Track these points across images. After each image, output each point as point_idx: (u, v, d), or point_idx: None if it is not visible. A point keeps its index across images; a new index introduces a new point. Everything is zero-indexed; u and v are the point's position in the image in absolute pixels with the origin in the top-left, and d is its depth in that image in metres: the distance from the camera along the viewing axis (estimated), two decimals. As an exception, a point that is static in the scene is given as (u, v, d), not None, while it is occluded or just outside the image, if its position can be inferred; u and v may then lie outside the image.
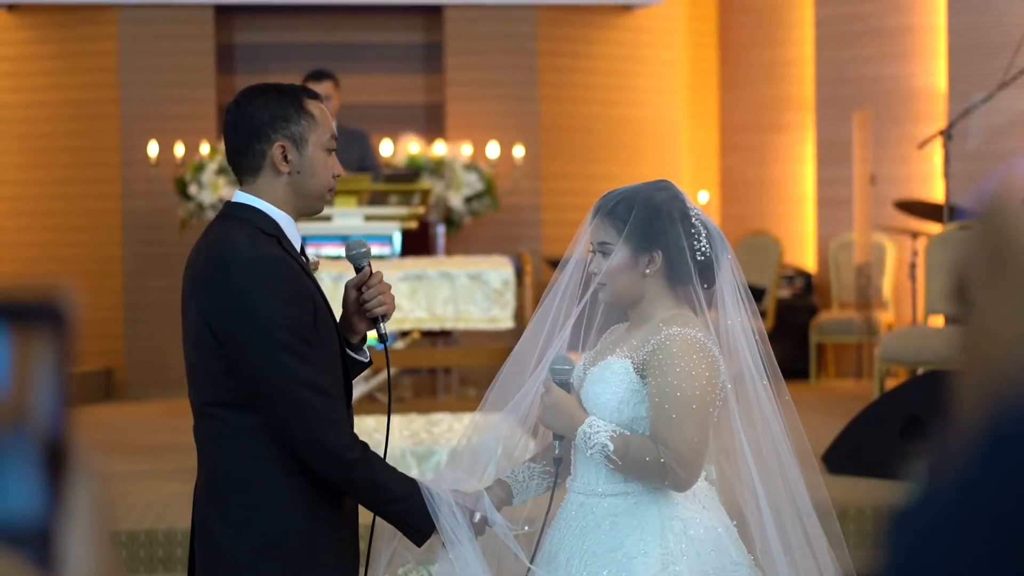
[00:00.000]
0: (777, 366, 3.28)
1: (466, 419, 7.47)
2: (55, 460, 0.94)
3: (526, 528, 3.24)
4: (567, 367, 3.22)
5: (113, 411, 10.05)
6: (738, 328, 3.23)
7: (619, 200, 3.24)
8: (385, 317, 3.29)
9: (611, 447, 3.11)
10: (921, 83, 11.30)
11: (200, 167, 10.09)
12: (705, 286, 3.23)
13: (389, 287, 3.32)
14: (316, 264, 3.32)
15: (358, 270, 3.31)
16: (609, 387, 3.17)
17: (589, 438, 3.12)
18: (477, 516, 3.16)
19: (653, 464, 3.09)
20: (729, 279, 3.25)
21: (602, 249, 3.23)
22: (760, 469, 3.23)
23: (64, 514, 0.94)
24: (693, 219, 3.24)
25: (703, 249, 3.22)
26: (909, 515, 0.99)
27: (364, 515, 3.28)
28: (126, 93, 11.03)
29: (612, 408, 3.16)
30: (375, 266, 3.35)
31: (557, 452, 3.24)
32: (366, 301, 3.28)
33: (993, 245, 0.99)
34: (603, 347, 3.32)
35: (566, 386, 3.21)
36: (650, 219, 3.20)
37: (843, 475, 6.73)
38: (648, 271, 3.20)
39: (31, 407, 0.93)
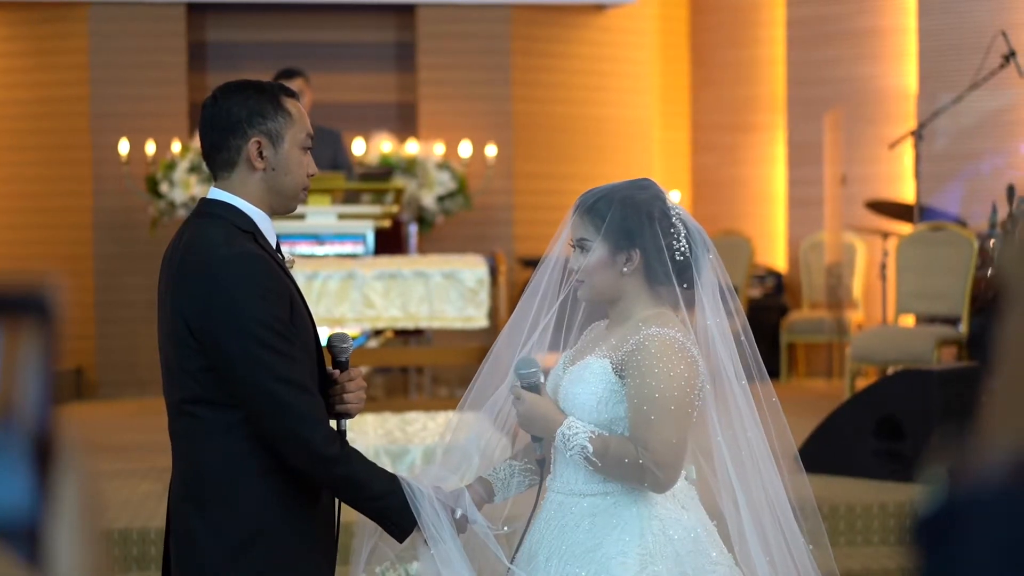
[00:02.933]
0: (763, 366, 3.27)
1: (440, 418, 7.47)
2: (43, 455, 0.93)
3: (506, 528, 3.24)
4: (533, 369, 3.21)
5: (84, 410, 10.00)
6: (715, 329, 3.23)
7: (599, 197, 3.24)
8: (350, 415, 3.27)
9: (590, 448, 3.10)
10: (892, 84, 11.34)
11: (171, 165, 10.06)
12: (684, 286, 3.22)
13: (364, 386, 3.30)
14: (291, 262, 3.31)
15: (337, 363, 3.29)
16: (588, 387, 3.17)
17: (568, 439, 3.12)
18: (458, 513, 3.16)
19: (632, 465, 3.08)
20: (710, 279, 3.24)
21: (581, 245, 3.23)
22: (737, 470, 3.23)
23: (52, 509, 0.93)
24: (673, 218, 3.23)
25: (682, 249, 3.21)
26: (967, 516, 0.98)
27: (344, 513, 3.27)
28: (97, 90, 10.98)
29: (591, 408, 3.16)
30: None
31: (539, 454, 3.23)
32: (335, 395, 3.25)
33: None
34: (582, 346, 3.32)
35: (535, 388, 3.21)
36: (629, 217, 3.20)
37: (816, 474, 6.75)
38: (626, 269, 3.20)
39: (18, 401, 0.92)
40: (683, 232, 3.23)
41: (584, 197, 3.26)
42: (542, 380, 3.23)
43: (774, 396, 3.29)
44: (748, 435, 3.23)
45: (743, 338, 3.25)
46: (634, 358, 3.12)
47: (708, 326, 3.22)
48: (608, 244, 3.20)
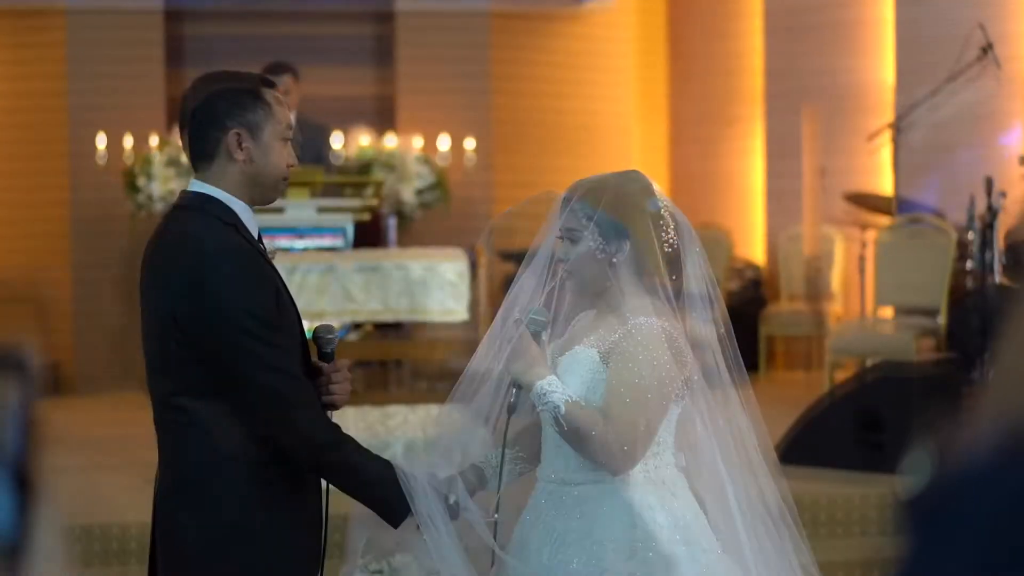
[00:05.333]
0: (741, 361, 3.30)
1: (420, 411, 7.48)
2: (22, 485, 1.04)
3: (496, 516, 3.24)
4: (542, 318, 3.22)
5: (61, 405, 9.96)
6: (700, 321, 3.25)
7: (589, 188, 3.25)
8: (336, 407, 3.26)
9: (562, 409, 3.10)
10: (870, 76, 11.36)
11: (149, 160, 10.03)
12: (673, 277, 3.24)
13: (350, 378, 3.29)
14: (274, 253, 3.31)
15: (322, 355, 3.29)
16: (576, 377, 3.18)
17: (544, 395, 3.12)
18: (451, 499, 3.16)
19: (598, 438, 3.09)
20: (697, 273, 3.27)
21: (570, 236, 3.24)
22: (725, 461, 3.26)
23: (31, 531, 1.03)
24: (662, 211, 3.26)
25: (671, 241, 3.24)
26: (947, 499, 0.98)
27: (335, 507, 3.26)
28: (74, 86, 10.94)
29: (580, 396, 3.17)
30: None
31: (512, 400, 3.20)
32: (321, 387, 3.24)
33: None
34: (571, 336, 3.33)
35: (537, 337, 3.21)
36: (619, 209, 3.21)
37: (797, 466, 6.77)
38: (616, 260, 3.21)
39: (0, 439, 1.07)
40: (672, 225, 3.24)
41: (573, 188, 3.28)
42: (546, 335, 3.22)
43: (750, 390, 3.32)
44: (733, 428, 3.25)
45: (723, 330, 3.28)
46: (620, 346, 3.14)
47: (694, 317, 3.24)
48: (598, 235, 3.20)
